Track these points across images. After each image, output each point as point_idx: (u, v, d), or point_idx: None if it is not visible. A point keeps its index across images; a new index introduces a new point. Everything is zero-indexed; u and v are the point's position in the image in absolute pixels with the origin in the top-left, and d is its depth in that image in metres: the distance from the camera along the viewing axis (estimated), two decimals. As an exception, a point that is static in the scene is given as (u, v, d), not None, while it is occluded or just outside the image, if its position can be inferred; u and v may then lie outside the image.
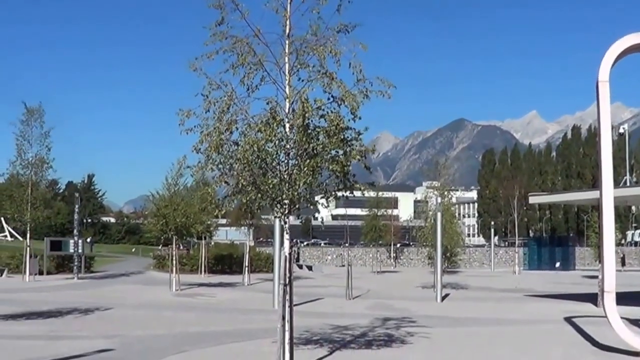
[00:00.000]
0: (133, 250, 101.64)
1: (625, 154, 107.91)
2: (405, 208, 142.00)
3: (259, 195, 13.83)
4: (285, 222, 14.23)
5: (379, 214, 67.49)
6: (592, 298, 30.71)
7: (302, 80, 13.93)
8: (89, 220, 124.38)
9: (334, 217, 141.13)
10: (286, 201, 13.73)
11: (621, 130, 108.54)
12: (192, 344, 19.03)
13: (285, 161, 13.71)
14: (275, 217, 14.60)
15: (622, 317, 17.39)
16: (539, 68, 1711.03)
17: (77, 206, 51.67)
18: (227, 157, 13.66)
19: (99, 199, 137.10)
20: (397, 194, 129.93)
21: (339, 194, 14.57)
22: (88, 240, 74.75)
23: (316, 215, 17.21)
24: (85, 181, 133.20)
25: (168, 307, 30.39)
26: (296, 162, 13.66)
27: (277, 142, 13.60)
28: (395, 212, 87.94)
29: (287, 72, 14.05)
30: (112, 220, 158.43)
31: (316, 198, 14.61)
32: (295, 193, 13.72)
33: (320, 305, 31.67)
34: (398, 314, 27.04)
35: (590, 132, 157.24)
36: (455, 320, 25.91)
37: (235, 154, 13.66)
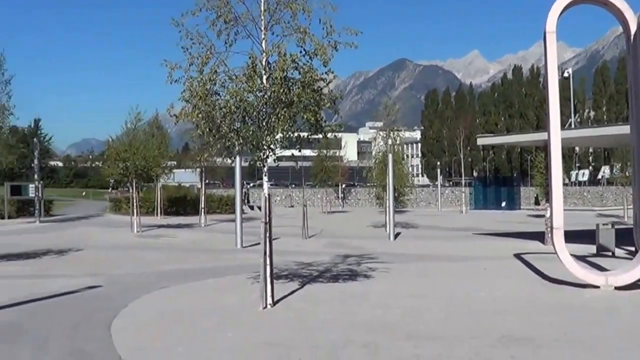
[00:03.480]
0: (83, 194, 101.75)
1: (569, 94, 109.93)
2: (349, 149, 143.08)
3: (240, 141, 15.13)
4: (264, 166, 15.52)
5: (327, 155, 68.58)
6: (539, 236, 32.25)
7: (277, 36, 15.17)
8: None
9: (279, 159, 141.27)
10: (265, 147, 15.04)
11: (566, 74, 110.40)
12: (170, 280, 20.26)
13: (264, 110, 14.96)
14: (255, 161, 15.76)
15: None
16: (481, 7, 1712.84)
17: (36, 151, 52.38)
18: (210, 106, 14.87)
19: (45, 143, 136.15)
20: (341, 135, 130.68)
21: (313, 137, 15.91)
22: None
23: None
24: (32, 125, 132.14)
25: (135, 247, 31.65)
26: (273, 111, 14.92)
27: (256, 92, 14.88)
28: (341, 153, 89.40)
29: (262, 28, 15.26)
30: (60, 164, 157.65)
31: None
32: (274, 139, 15.05)
33: (279, 244, 32.73)
34: (356, 252, 28.39)
35: (533, 72, 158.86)
36: (410, 257, 27.29)
37: (218, 103, 14.93)
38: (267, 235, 15.19)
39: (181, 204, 61.19)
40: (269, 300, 15.15)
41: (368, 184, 75.11)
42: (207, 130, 15.15)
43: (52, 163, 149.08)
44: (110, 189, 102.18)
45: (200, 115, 14.83)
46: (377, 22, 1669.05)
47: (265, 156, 15.21)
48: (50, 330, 12.79)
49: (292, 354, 11.14)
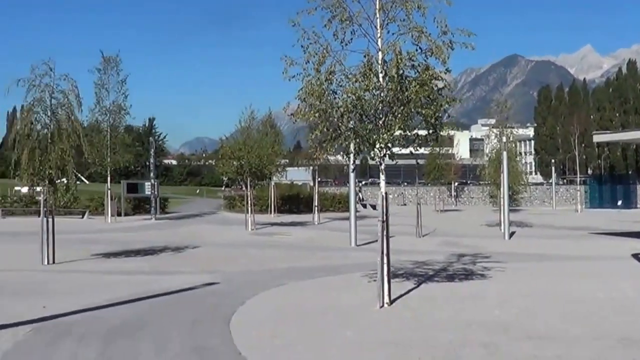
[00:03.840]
0: (197, 191, 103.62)
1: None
2: (462, 147, 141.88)
3: (357, 139, 15.16)
4: (381, 164, 15.49)
5: (440, 153, 68.17)
6: (659, 236, 31.33)
7: (393, 34, 15.14)
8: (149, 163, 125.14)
9: (390, 157, 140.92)
10: (382, 145, 15.01)
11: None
12: (286, 277, 20.39)
13: (381, 108, 14.94)
14: (372, 159, 15.76)
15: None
16: (593, 0, 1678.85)
17: (152, 150, 53.58)
18: (327, 105, 14.93)
19: (160, 142, 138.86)
20: (454, 132, 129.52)
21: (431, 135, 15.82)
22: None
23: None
24: (147, 125, 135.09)
25: (250, 245, 32.01)
26: (390, 110, 14.90)
27: (373, 91, 14.87)
28: (453, 150, 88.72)
29: (378, 26, 15.24)
30: (174, 162, 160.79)
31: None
32: (391, 137, 15.00)
33: (394, 242, 32.50)
34: (470, 251, 28.10)
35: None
36: (526, 256, 26.86)
37: (335, 102, 14.98)
38: (385, 233, 15.14)
39: (294, 202, 61.58)
40: (386, 299, 15.10)
41: (481, 182, 74.34)
42: (325, 129, 15.22)
43: (166, 161, 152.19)
44: (224, 186, 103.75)
45: (317, 114, 14.90)
46: (487, 17, 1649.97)
47: (382, 154, 15.18)
48: (170, 326, 12.99)
49: (411, 353, 11.08)
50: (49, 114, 22.14)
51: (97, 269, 22.46)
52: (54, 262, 23.21)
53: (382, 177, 15.73)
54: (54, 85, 21.99)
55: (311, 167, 54.15)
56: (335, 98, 15.02)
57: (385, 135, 14.86)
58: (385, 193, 15.44)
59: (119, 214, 48.95)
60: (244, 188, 61.30)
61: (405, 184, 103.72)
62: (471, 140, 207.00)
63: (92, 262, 24.65)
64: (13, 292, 16.91)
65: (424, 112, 14.88)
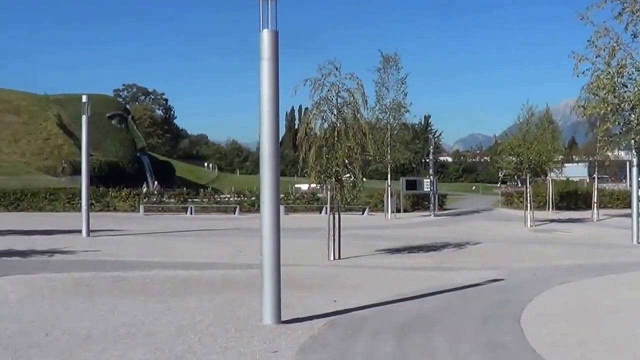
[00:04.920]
0: (473, 188, 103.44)
1: None
2: None
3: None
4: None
5: None
6: None
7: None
8: (426, 160, 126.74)
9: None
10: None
11: None
12: (569, 275, 20.11)
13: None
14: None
15: None
16: None
17: (431, 147, 54.20)
18: (619, 98, 14.60)
19: (436, 139, 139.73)
20: None
21: None
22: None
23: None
24: (422, 122, 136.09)
25: (531, 241, 31.79)
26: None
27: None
28: None
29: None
30: (449, 159, 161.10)
31: None
32: None
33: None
34: None
35: None
36: None
37: (626, 96, 14.63)
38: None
39: (572, 198, 60.09)
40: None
41: None
42: (616, 123, 14.94)
43: (441, 158, 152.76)
44: (499, 183, 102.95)
45: (608, 108, 14.62)
46: None
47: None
48: (461, 322, 13.10)
49: None
50: (335, 112, 22.79)
51: (381, 264, 22.97)
52: (339, 258, 23.89)
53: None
54: (340, 84, 22.61)
55: (587, 163, 52.62)
56: (625, 92, 14.69)
57: None
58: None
59: (398, 211, 49.64)
60: (519, 184, 60.64)
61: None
62: None
63: (376, 257, 25.21)
64: (304, 286, 17.48)
65: None
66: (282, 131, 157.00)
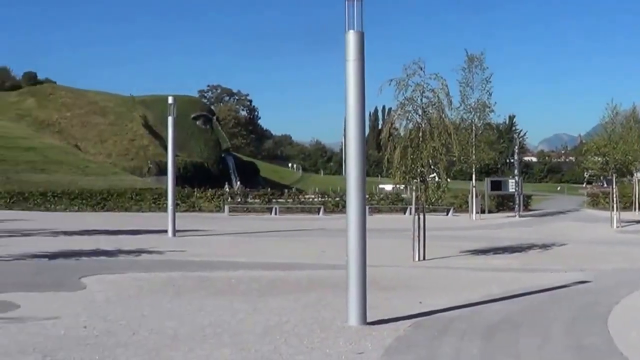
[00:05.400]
0: (558, 188, 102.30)
1: None
2: None
3: None
4: None
5: None
6: None
7: None
8: (511, 160, 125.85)
9: None
10: None
11: None
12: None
13: None
14: None
15: None
16: None
17: (516, 147, 53.79)
18: None
19: (520, 139, 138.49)
20: None
21: None
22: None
23: None
24: (507, 122, 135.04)
25: (618, 242, 31.40)
26: None
27: None
28: None
29: None
30: (534, 159, 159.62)
31: None
32: None
33: None
34: None
35: None
36: None
37: None
38: None
39: (659, 198, 58.94)
40: None
41: None
42: None
43: (526, 159, 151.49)
44: (585, 183, 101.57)
45: None
46: None
47: None
48: (548, 324, 12.97)
49: None
50: (419, 112, 22.77)
51: (466, 265, 22.82)
52: (424, 259, 23.78)
53: None
54: (425, 84, 22.57)
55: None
56: None
57: None
58: None
59: (483, 211, 49.34)
60: (605, 185, 59.68)
61: None
62: None
63: (461, 258, 25.05)
64: (389, 287, 17.48)
65: None
66: (366, 131, 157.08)
